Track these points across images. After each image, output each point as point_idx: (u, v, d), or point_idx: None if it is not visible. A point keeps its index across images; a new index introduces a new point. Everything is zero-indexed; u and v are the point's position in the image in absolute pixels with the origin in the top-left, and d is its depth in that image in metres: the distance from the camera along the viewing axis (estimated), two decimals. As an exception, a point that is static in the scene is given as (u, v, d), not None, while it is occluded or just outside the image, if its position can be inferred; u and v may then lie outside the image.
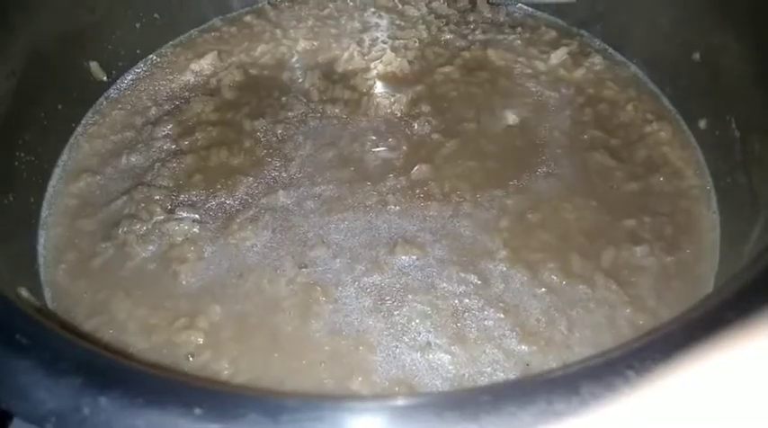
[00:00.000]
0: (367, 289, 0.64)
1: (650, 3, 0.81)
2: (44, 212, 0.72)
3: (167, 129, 0.79)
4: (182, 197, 0.72)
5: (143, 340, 0.61)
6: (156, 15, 0.87)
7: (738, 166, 0.69)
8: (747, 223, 0.63)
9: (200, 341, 0.61)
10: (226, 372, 0.59)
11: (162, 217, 0.70)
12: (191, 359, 0.60)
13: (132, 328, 0.62)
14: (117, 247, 0.68)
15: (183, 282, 0.65)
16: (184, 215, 0.70)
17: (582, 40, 0.88)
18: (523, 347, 0.60)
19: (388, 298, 0.64)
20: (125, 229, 0.68)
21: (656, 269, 0.66)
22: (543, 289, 0.64)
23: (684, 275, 0.66)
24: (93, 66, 0.81)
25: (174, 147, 0.77)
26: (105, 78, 0.82)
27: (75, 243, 0.69)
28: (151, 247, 0.68)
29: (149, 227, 0.69)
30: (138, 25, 0.86)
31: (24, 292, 0.58)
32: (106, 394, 0.36)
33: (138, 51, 0.86)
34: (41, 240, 0.70)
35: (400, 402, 0.37)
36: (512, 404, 0.33)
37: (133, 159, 0.76)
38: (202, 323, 0.62)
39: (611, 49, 0.87)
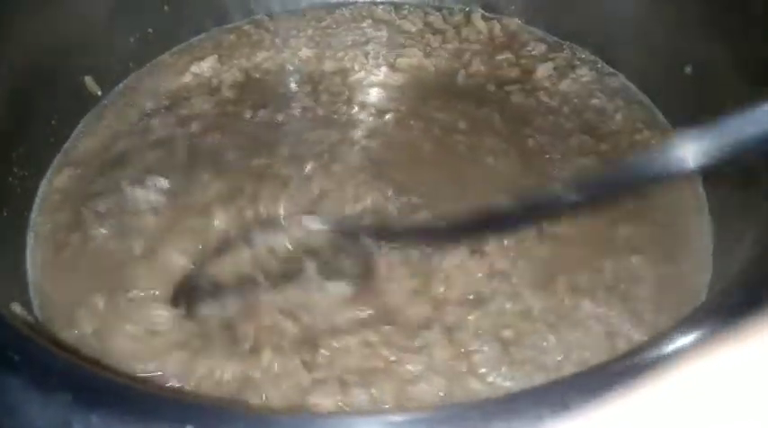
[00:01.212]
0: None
1: (642, 16, 0.81)
2: (32, 220, 0.71)
3: (165, 120, 0.79)
4: (161, 177, 0.72)
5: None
6: (149, 30, 0.87)
7: (733, 178, 0.69)
8: (739, 234, 0.63)
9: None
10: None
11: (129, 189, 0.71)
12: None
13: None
14: (82, 233, 0.68)
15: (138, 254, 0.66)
16: (154, 185, 0.71)
17: (572, 52, 0.88)
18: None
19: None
20: (92, 209, 0.69)
21: (653, 278, 0.66)
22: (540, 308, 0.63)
23: (679, 284, 0.66)
24: (88, 80, 0.81)
25: (166, 134, 0.77)
26: (100, 93, 0.82)
27: (55, 240, 0.69)
28: (112, 221, 0.68)
29: (114, 204, 0.70)
30: (131, 39, 0.86)
31: (17, 308, 0.58)
32: (97, 411, 0.36)
33: (131, 64, 0.86)
34: (29, 249, 0.69)
35: (393, 418, 0.37)
36: (501, 420, 0.33)
37: (122, 146, 0.77)
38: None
39: (601, 62, 0.87)
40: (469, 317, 0.62)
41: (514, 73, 0.85)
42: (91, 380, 0.39)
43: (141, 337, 0.61)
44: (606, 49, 0.87)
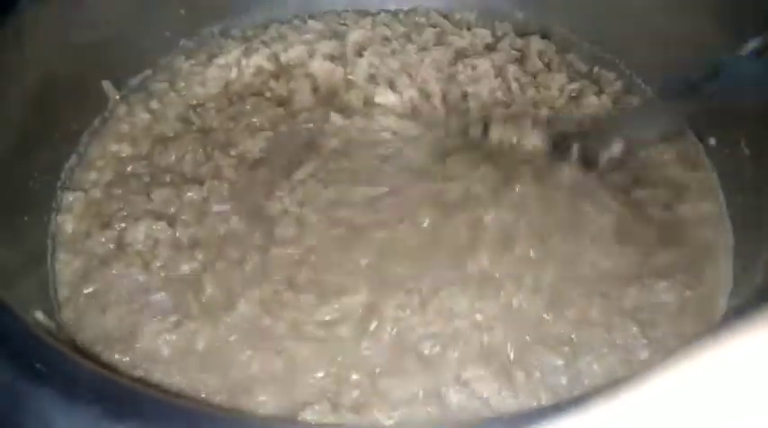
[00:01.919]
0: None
1: (659, 21, 0.80)
2: (53, 226, 0.72)
3: (183, 126, 0.80)
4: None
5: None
6: (167, 33, 0.87)
7: (749, 185, 0.70)
8: (759, 243, 0.64)
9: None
10: None
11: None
12: None
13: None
14: (104, 238, 0.69)
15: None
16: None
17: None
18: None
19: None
20: (112, 214, 0.70)
21: (676, 303, 0.64)
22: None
23: (701, 306, 0.65)
24: (106, 84, 0.81)
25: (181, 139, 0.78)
26: (118, 97, 0.83)
27: (76, 246, 0.70)
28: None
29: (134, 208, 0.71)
30: (149, 43, 0.86)
31: (39, 315, 0.58)
32: (124, 422, 0.37)
33: (148, 68, 0.86)
34: (50, 255, 0.70)
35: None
36: None
37: (141, 150, 0.78)
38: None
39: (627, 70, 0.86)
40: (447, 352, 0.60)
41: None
42: (118, 392, 0.39)
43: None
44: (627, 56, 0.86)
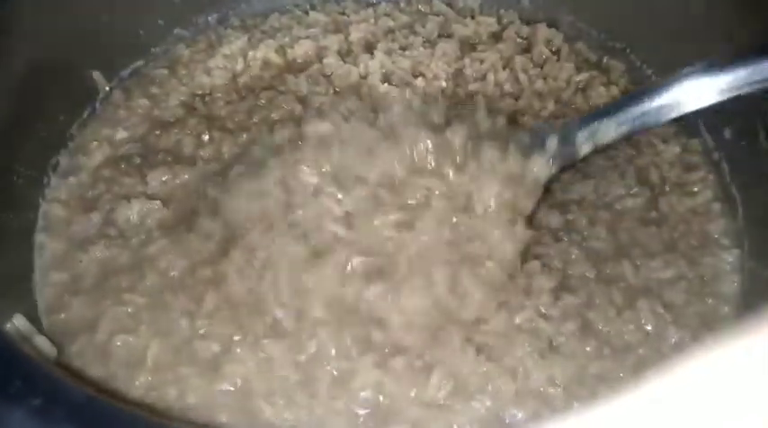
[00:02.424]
0: None
1: (667, 8, 0.77)
2: (39, 224, 0.69)
3: (176, 119, 0.76)
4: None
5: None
6: (160, 22, 0.84)
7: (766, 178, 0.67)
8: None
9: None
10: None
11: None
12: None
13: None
14: (90, 237, 0.66)
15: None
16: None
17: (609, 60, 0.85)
18: None
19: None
20: (99, 212, 0.67)
21: (683, 285, 0.64)
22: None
23: (708, 292, 0.64)
24: (96, 75, 0.78)
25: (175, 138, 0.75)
26: (108, 88, 0.80)
27: (61, 244, 0.67)
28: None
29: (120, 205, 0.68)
30: (141, 32, 0.83)
31: (20, 320, 0.56)
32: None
33: (140, 58, 0.83)
34: (36, 252, 0.67)
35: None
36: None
37: (131, 146, 0.74)
38: None
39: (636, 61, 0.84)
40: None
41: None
42: (95, 410, 0.36)
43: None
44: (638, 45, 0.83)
